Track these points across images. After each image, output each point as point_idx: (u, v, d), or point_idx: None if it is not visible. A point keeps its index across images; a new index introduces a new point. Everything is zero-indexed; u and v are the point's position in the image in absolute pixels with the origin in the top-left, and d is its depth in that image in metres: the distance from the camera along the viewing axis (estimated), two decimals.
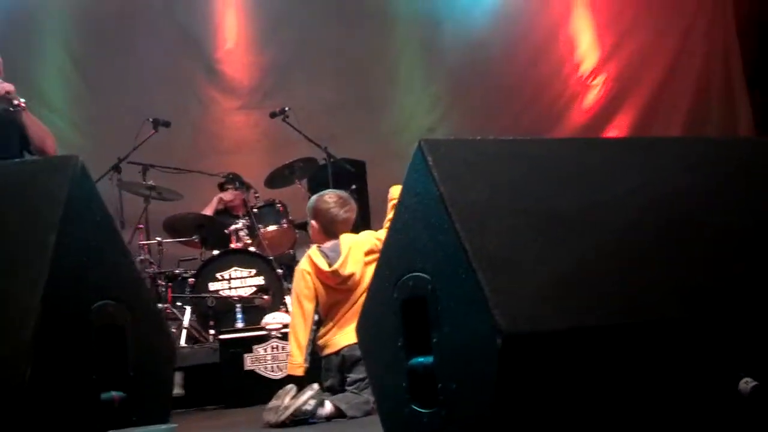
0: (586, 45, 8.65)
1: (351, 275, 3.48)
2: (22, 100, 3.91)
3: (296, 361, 3.55)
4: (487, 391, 1.47)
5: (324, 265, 3.53)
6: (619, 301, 1.54)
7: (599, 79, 8.64)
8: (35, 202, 1.42)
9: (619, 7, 8.43)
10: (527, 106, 8.51)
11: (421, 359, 1.75)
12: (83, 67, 7.78)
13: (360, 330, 2.13)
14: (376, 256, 3.44)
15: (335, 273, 3.49)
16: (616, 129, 8.51)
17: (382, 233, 3.50)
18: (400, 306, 1.80)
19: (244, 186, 6.30)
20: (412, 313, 1.77)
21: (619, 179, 1.75)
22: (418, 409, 1.72)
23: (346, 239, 3.57)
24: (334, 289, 3.53)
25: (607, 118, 8.58)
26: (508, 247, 1.54)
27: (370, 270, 3.45)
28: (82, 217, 1.50)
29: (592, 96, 8.68)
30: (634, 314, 1.54)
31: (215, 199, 6.40)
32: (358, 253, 3.52)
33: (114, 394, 1.55)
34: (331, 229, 3.64)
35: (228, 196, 6.35)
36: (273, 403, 3.31)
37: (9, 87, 3.89)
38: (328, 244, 3.61)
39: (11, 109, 3.85)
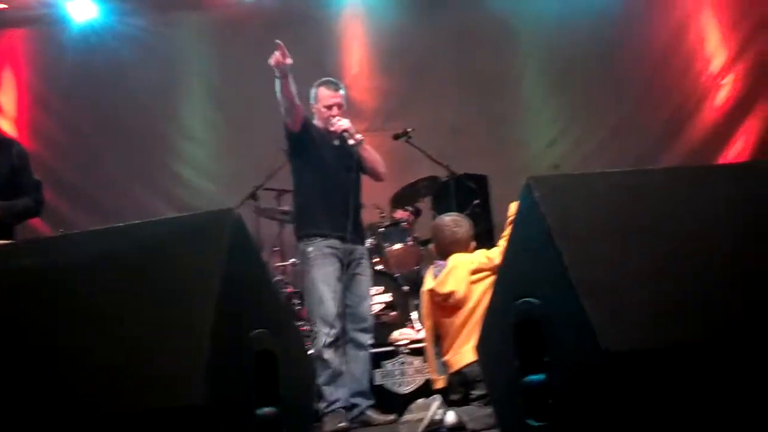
0: (714, 44, 8.42)
1: (451, 293, 3.66)
2: (359, 136, 4.32)
3: (432, 377, 3.87)
4: (594, 406, 1.63)
5: (429, 284, 3.78)
6: (715, 317, 1.66)
7: (728, 79, 8.38)
8: (204, 249, 1.72)
9: (744, 8, 8.17)
10: (657, 107, 8.34)
11: (534, 377, 1.93)
12: (221, 101, 8.40)
13: (480, 350, 2.33)
14: (485, 274, 3.64)
15: (434, 291, 3.71)
16: (746, 131, 8.23)
17: (494, 251, 3.69)
18: (514, 329, 1.99)
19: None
20: (526, 335, 1.95)
21: (717, 206, 1.87)
22: (533, 423, 1.89)
23: (453, 259, 3.77)
24: (441, 306, 3.75)
25: (738, 119, 8.30)
26: (609, 275, 1.70)
27: (478, 288, 3.65)
28: (241, 260, 1.79)
29: (723, 95, 8.42)
30: (731, 331, 1.66)
31: None
32: (461, 271, 3.69)
33: (267, 410, 1.82)
34: (442, 250, 3.89)
35: None
36: (407, 417, 3.56)
37: (346, 125, 4.28)
38: (441, 264, 3.85)
39: (351, 143, 4.25)
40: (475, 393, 3.58)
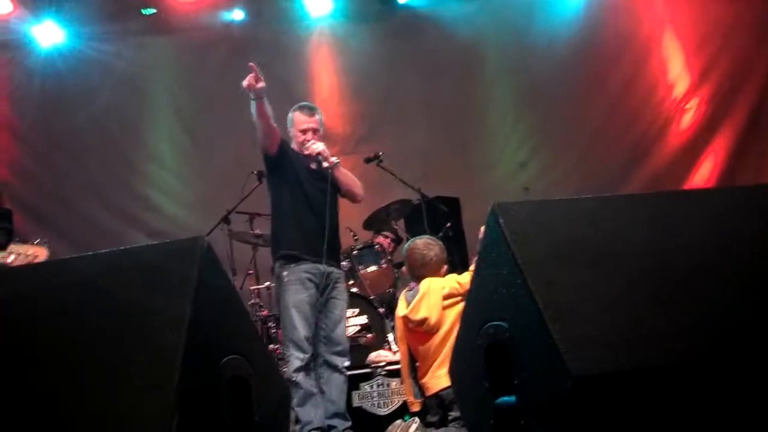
0: (677, 70, 8.59)
1: (424, 320, 3.69)
2: (334, 159, 4.35)
3: (409, 400, 3.89)
4: (563, 429, 1.66)
5: (401, 310, 3.81)
6: (679, 341, 1.71)
7: (692, 103, 8.53)
8: (173, 279, 1.73)
9: (706, 33, 8.36)
10: (623, 130, 8.52)
11: (505, 399, 1.96)
12: (189, 125, 8.41)
13: (452, 373, 2.36)
14: (456, 299, 3.68)
15: (406, 318, 3.75)
16: (713, 153, 8.38)
17: (465, 276, 3.74)
18: (484, 352, 2.02)
19: None
20: (495, 358, 1.98)
21: (680, 231, 1.92)
22: None
23: (425, 284, 3.80)
24: (415, 332, 3.79)
25: (704, 142, 8.45)
26: (574, 299, 1.74)
27: (451, 313, 3.69)
28: (210, 288, 1.81)
29: (687, 119, 8.58)
30: (696, 354, 1.71)
31: None
32: (434, 297, 3.73)
33: None
34: (414, 273, 3.93)
35: None
36: None
37: (320, 148, 4.33)
38: (414, 287, 3.89)
39: (326, 166, 4.29)
40: (453, 414, 3.61)
